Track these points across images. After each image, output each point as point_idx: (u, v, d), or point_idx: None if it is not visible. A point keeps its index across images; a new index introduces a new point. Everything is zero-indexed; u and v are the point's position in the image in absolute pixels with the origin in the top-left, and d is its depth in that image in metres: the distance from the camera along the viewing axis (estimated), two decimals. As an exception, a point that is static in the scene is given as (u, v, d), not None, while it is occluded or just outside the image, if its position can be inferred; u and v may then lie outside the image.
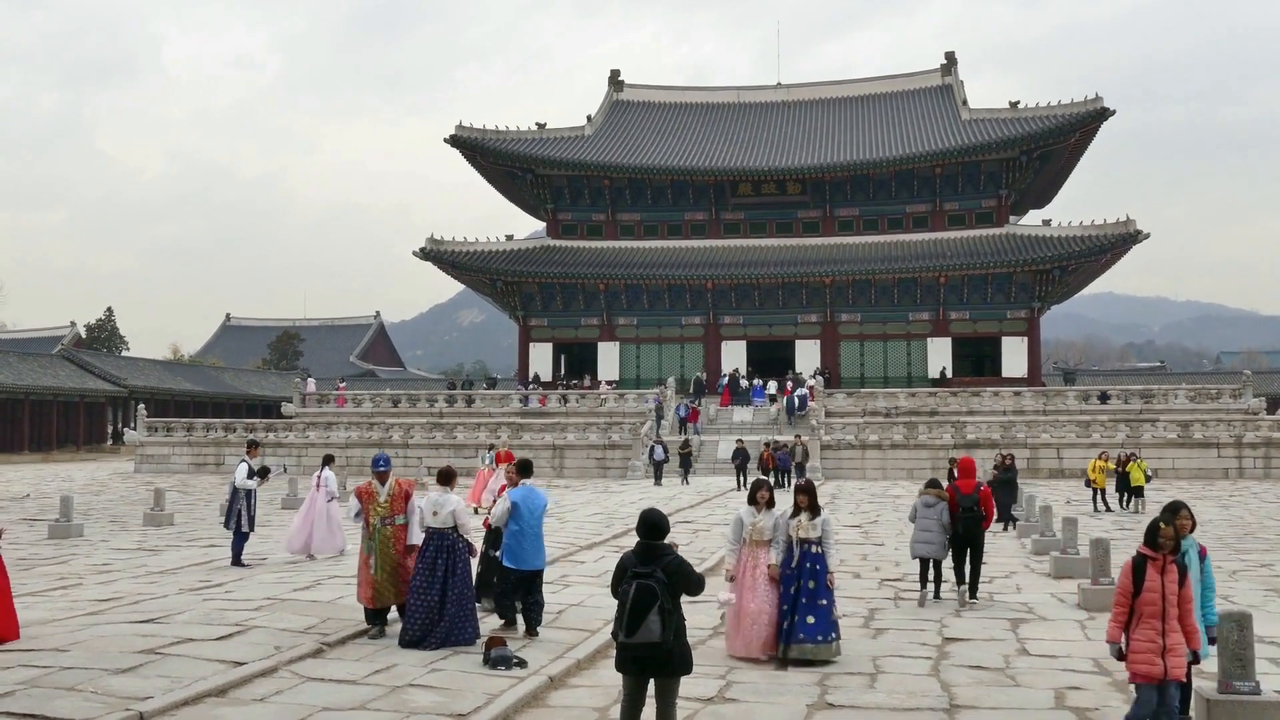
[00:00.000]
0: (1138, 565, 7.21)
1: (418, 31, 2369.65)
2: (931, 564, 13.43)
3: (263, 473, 17.79)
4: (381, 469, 11.34)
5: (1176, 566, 7.23)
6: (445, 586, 10.38)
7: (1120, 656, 7.29)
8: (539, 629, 10.89)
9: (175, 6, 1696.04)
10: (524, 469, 11.75)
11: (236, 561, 16.12)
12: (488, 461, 29.34)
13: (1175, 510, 7.73)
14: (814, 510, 10.35)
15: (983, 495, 13.50)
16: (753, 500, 10.45)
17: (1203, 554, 7.92)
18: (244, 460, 16.98)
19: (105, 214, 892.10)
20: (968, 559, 13.44)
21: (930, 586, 13.47)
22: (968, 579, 13.49)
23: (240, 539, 16.39)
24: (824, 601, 10.05)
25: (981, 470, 17.11)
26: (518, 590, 10.93)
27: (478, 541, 11.37)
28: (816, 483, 37.03)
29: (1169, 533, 7.26)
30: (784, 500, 11.29)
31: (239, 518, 16.43)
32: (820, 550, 10.22)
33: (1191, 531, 7.78)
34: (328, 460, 19.17)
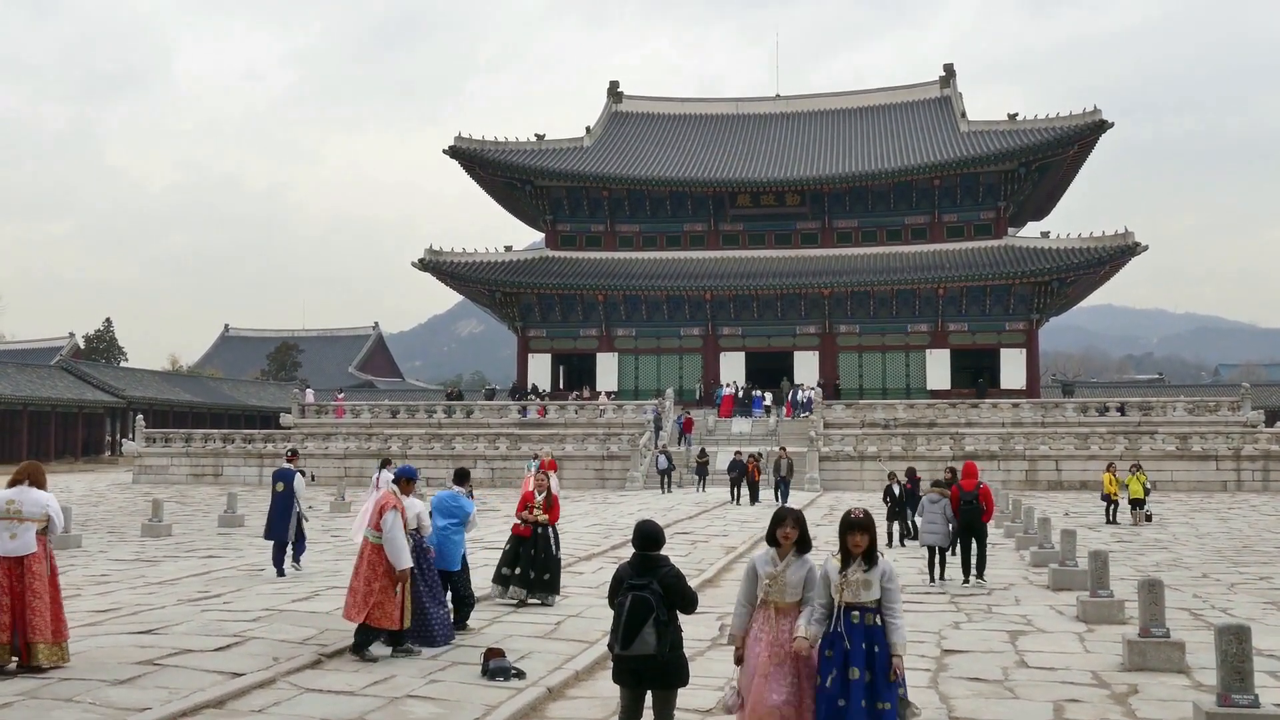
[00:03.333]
0: None
1: (430, 43, 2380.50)
2: (937, 551, 16.01)
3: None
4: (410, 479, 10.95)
5: None
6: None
7: None
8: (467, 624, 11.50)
9: (187, 19, 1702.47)
10: (459, 477, 12.43)
11: (280, 571, 15.85)
12: (533, 468, 29.54)
13: None
14: (871, 557, 6.59)
15: (982, 492, 15.97)
16: (772, 540, 6.75)
17: None
18: (297, 471, 16.79)
19: (112, 225, 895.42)
20: (973, 547, 15.89)
21: (937, 570, 16.00)
22: (974, 564, 15.91)
23: (282, 548, 16.09)
24: (888, 705, 6.43)
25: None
26: (445, 587, 11.33)
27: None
28: (814, 494, 37.32)
29: None
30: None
31: (296, 525, 16.23)
32: (879, 621, 6.52)
33: None
34: (385, 463, 19.67)
